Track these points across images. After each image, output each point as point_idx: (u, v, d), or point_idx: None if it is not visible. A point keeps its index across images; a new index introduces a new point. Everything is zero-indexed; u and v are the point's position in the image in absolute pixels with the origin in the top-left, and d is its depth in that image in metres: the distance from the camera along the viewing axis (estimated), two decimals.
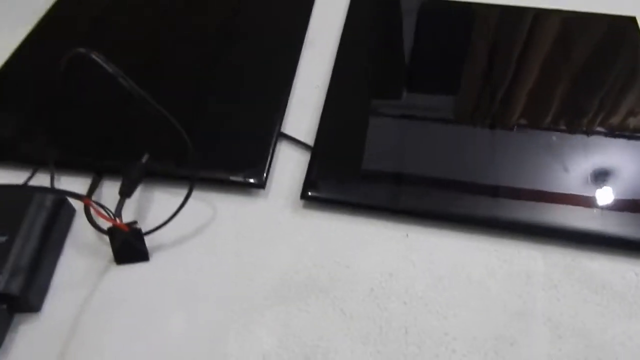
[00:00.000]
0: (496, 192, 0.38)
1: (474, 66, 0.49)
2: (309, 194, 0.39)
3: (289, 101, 0.47)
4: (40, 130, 0.44)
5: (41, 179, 0.41)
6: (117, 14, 0.56)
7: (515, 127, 0.43)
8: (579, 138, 0.42)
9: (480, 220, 0.37)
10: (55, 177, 0.41)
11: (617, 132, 0.42)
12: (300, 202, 0.39)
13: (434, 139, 0.43)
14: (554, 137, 0.42)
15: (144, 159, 0.39)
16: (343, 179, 0.40)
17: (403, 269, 0.35)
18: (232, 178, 0.40)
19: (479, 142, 0.42)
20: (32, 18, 0.55)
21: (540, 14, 0.53)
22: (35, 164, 0.41)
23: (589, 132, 0.42)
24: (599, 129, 0.42)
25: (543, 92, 0.45)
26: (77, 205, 0.39)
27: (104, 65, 0.34)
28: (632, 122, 0.43)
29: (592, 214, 0.36)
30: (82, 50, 0.34)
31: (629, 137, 0.42)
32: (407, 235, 0.37)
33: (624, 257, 0.35)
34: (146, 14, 0.56)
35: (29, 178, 0.41)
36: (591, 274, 0.35)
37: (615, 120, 0.43)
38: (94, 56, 0.34)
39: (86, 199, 0.36)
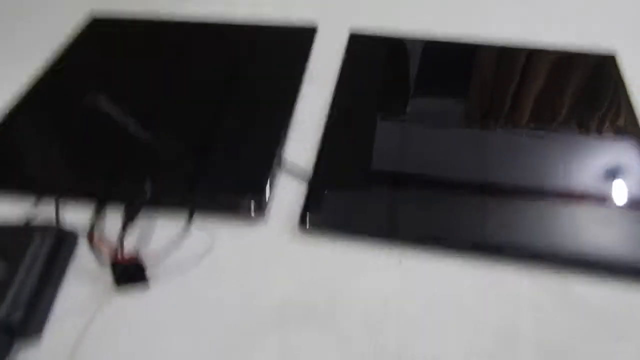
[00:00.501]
0: (485, 216, 0.40)
1: (473, 100, 0.51)
2: (307, 222, 0.41)
3: (289, 132, 0.48)
4: (47, 163, 0.46)
5: (48, 208, 0.42)
6: (127, 53, 0.59)
7: (506, 159, 0.45)
8: (563, 166, 0.43)
9: (470, 246, 0.38)
10: (61, 206, 0.42)
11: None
12: (298, 230, 0.41)
13: (428, 168, 0.44)
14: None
15: (146, 187, 0.41)
16: (339, 207, 0.42)
17: (397, 294, 0.37)
18: (233, 207, 0.42)
19: (469, 170, 0.43)
20: (42, 60, 0.57)
21: (533, 53, 0.55)
22: (42, 194, 0.43)
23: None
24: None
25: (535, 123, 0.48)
26: (81, 231, 0.41)
27: (109, 108, 0.36)
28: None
29: (577, 238, 0.38)
30: (91, 96, 0.36)
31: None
32: (401, 261, 0.39)
33: (610, 280, 0.36)
34: (154, 54, 0.59)
35: (35, 205, 0.42)
36: (577, 296, 0.36)
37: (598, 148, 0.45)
38: (100, 100, 0.36)
39: (89, 233, 0.37)
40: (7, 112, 0.51)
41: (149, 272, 0.38)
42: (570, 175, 0.43)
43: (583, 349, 0.33)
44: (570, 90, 0.51)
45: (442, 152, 0.46)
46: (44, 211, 0.42)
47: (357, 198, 0.42)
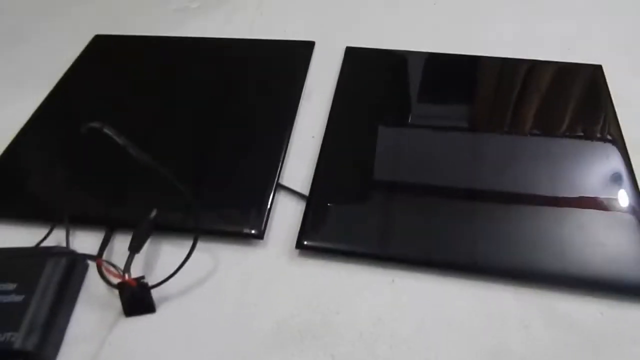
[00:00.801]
0: (474, 237, 0.41)
1: (473, 111, 0.53)
2: (304, 243, 0.42)
3: (287, 152, 0.50)
4: (56, 190, 0.48)
5: (58, 234, 0.44)
6: (131, 78, 0.61)
7: (498, 171, 0.46)
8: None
9: (459, 266, 0.40)
10: (71, 232, 0.44)
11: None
12: (296, 251, 0.43)
13: (423, 185, 0.46)
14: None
15: (152, 214, 0.43)
16: (335, 228, 0.44)
17: (389, 313, 0.38)
18: (233, 229, 0.44)
19: (460, 186, 0.45)
20: (48, 84, 0.60)
21: (529, 65, 0.57)
22: (52, 220, 0.45)
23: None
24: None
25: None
26: (89, 257, 0.43)
27: (115, 137, 0.38)
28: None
29: (559, 257, 0.39)
30: (95, 124, 0.38)
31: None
32: (394, 280, 0.40)
33: (590, 296, 0.38)
34: (154, 70, 0.61)
35: (47, 234, 0.44)
36: (560, 313, 0.37)
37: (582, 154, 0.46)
38: (106, 130, 0.38)
39: (98, 259, 0.40)
40: (15, 136, 0.53)
41: (155, 294, 0.40)
42: (556, 185, 0.44)
43: None
44: (564, 99, 0.52)
45: (433, 168, 0.47)
46: (53, 237, 0.44)
47: (353, 219, 0.44)
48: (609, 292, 0.38)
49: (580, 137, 0.49)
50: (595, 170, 0.46)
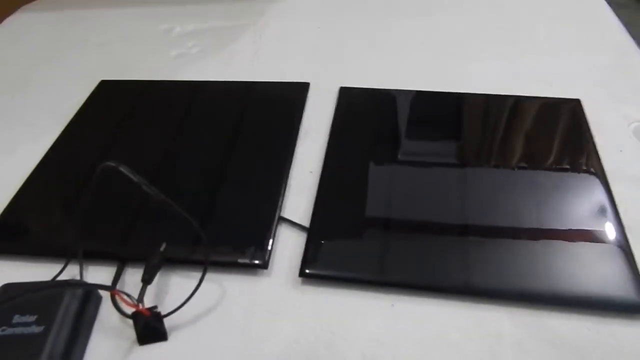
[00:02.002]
0: (468, 261, 0.44)
1: (461, 146, 0.56)
2: (306, 271, 0.45)
3: (287, 187, 0.53)
4: (70, 227, 0.50)
5: (72, 269, 0.47)
6: (136, 120, 0.64)
7: (486, 203, 0.49)
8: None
9: (455, 290, 0.43)
10: (84, 267, 0.47)
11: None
12: (299, 279, 0.45)
13: (417, 214, 0.49)
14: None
15: (162, 247, 0.45)
16: (336, 256, 0.46)
17: (390, 335, 0.41)
18: (239, 260, 0.46)
19: (453, 214, 0.48)
20: (58, 126, 0.63)
21: (513, 101, 0.61)
22: (66, 256, 0.47)
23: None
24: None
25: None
26: (104, 292, 0.45)
27: (131, 176, 0.41)
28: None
29: (548, 280, 0.42)
30: (112, 163, 0.41)
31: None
32: (393, 305, 0.43)
33: (577, 313, 0.41)
34: (155, 119, 0.64)
35: (62, 269, 0.47)
36: (551, 331, 0.40)
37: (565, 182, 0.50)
38: (122, 169, 0.41)
39: (113, 290, 0.42)
40: (28, 175, 0.56)
41: (166, 323, 0.42)
42: (542, 216, 0.47)
43: None
44: (547, 133, 0.56)
45: (427, 199, 0.50)
46: (67, 272, 0.47)
47: (352, 248, 0.47)
48: (594, 309, 0.41)
49: (563, 170, 0.52)
50: (579, 201, 0.49)
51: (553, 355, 0.38)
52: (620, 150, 0.54)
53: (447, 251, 0.45)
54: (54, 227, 0.51)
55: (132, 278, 0.46)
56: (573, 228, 0.46)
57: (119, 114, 0.65)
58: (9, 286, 0.44)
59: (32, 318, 0.40)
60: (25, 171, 0.57)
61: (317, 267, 0.45)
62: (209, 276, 0.44)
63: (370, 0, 0.85)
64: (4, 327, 0.40)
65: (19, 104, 0.70)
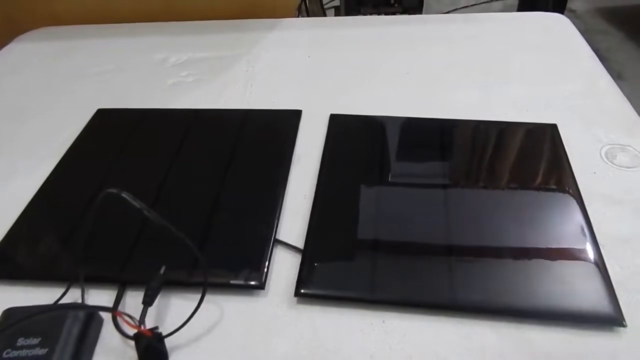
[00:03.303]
0: (454, 279, 0.46)
1: (446, 169, 0.59)
2: (301, 291, 0.47)
3: (282, 211, 0.56)
4: (71, 252, 0.52)
5: (74, 293, 0.48)
6: (134, 147, 0.66)
7: (469, 223, 0.52)
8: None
9: (442, 305, 0.45)
10: (86, 290, 0.48)
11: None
12: (295, 299, 0.47)
13: (407, 235, 0.51)
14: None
15: (162, 270, 0.47)
16: (329, 276, 0.49)
17: (382, 350, 0.43)
18: (236, 282, 0.48)
19: (440, 234, 0.50)
20: (56, 154, 0.65)
21: (493, 126, 0.65)
22: (68, 280, 0.49)
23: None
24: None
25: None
26: (105, 315, 0.47)
27: (133, 202, 0.43)
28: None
29: (530, 295, 0.45)
30: (114, 190, 0.44)
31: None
32: (384, 321, 0.45)
33: (558, 327, 0.43)
34: (152, 146, 0.66)
35: (64, 293, 0.48)
36: (533, 343, 0.42)
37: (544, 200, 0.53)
38: (124, 195, 0.43)
39: (115, 311, 0.44)
40: (29, 202, 0.58)
41: (167, 344, 0.44)
42: (523, 234, 0.50)
43: None
44: (527, 155, 0.60)
45: (415, 221, 0.53)
46: (69, 296, 0.48)
47: (345, 268, 0.49)
48: (574, 322, 0.43)
49: (542, 190, 0.55)
50: (557, 220, 0.51)
51: None
52: (594, 172, 0.57)
53: (434, 269, 0.48)
54: (55, 252, 0.52)
55: (133, 301, 0.48)
56: (552, 246, 0.49)
57: (117, 141, 0.67)
58: (11, 310, 0.45)
59: (35, 340, 0.42)
60: (24, 198, 0.59)
61: (312, 287, 0.47)
62: (208, 297, 0.46)
63: (357, 34, 0.89)
64: (8, 350, 0.41)
65: (16, 133, 0.72)
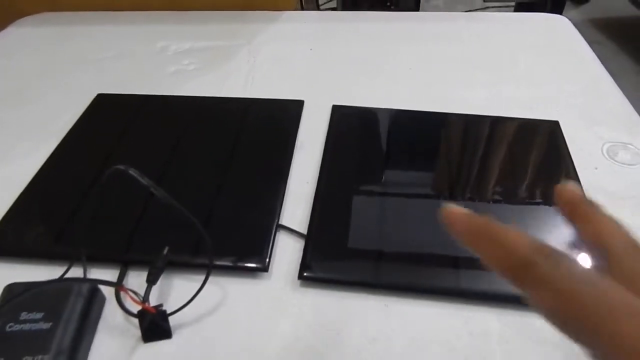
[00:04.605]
0: (456, 263, 0.47)
1: (447, 160, 0.60)
2: (305, 274, 0.47)
3: (285, 197, 0.56)
4: (73, 230, 0.52)
5: (76, 272, 0.48)
6: (135, 132, 0.66)
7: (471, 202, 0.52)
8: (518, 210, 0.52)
9: (446, 291, 0.45)
10: (88, 269, 0.48)
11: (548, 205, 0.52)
12: (298, 282, 0.47)
13: (408, 220, 0.52)
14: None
15: (165, 251, 0.47)
16: (332, 260, 0.49)
17: (384, 333, 0.43)
18: (240, 264, 0.48)
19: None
20: (56, 138, 0.65)
21: (493, 121, 0.65)
22: (70, 259, 0.48)
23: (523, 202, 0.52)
24: (533, 203, 0.53)
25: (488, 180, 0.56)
26: (107, 294, 0.46)
27: (140, 179, 0.43)
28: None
29: None
30: (121, 167, 0.43)
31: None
32: (387, 305, 0.45)
33: None
34: (154, 131, 0.66)
35: (66, 270, 0.48)
36: (535, 329, 0.43)
37: (546, 195, 0.53)
38: (131, 172, 0.43)
39: (120, 286, 0.43)
40: (28, 183, 0.57)
41: (170, 322, 0.43)
42: (525, 227, 0.50)
43: None
44: (529, 150, 0.60)
45: (418, 207, 0.53)
46: (70, 274, 0.48)
47: (348, 252, 0.49)
48: None
49: (543, 184, 0.56)
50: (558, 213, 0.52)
51: (538, 351, 0.41)
52: (595, 168, 0.58)
53: (438, 254, 0.48)
54: (57, 230, 0.52)
55: (135, 281, 0.48)
56: (553, 237, 0.49)
57: (118, 126, 0.66)
58: (13, 285, 0.45)
59: (39, 315, 0.41)
60: (23, 180, 0.58)
61: (315, 271, 0.48)
62: (212, 279, 0.46)
63: (360, 29, 0.90)
64: (11, 324, 0.41)
65: (14, 117, 0.71)
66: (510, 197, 0.54)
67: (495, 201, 0.54)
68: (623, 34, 2.61)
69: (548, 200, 0.53)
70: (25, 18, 0.98)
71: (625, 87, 0.73)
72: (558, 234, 0.49)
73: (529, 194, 0.54)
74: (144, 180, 0.43)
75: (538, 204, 0.53)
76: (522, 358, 0.41)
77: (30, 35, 0.93)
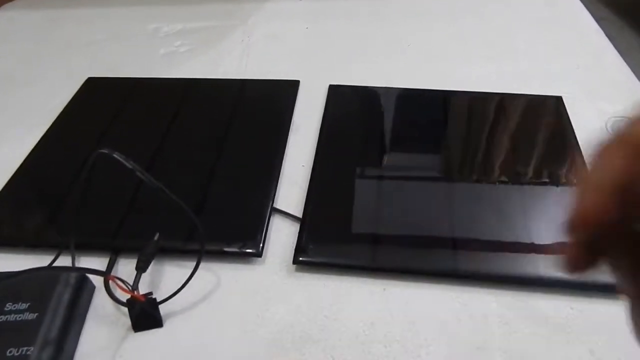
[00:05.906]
0: (454, 246, 0.45)
1: (448, 140, 0.58)
2: (300, 259, 0.46)
3: (279, 180, 0.54)
4: (61, 217, 0.50)
5: (64, 261, 0.46)
6: (126, 116, 0.64)
7: (472, 183, 0.51)
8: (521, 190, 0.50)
9: (444, 273, 0.44)
10: (76, 258, 0.47)
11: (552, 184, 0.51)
12: (293, 267, 0.46)
13: (406, 202, 0.50)
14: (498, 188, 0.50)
15: (156, 237, 0.46)
16: (328, 244, 0.47)
17: (382, 317, 0.42)
18: (233, 249, 0.47)
19: (439, 203, 0.49)
20: (45, 122, 0.63)
21: (497, 98, 0.63)
22: (58, 248, 0.47)
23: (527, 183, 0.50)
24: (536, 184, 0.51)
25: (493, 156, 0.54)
26: (97, 282, 0.45)
27: (125, 162, 0.41)
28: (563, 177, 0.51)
29: (533, 261, 0.44)
30: (105, 150, 0.42)
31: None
32: (385, 289, 0.44)
33: (561, 294, 0.42)
34: (146, 114, 0.64)
35: (54, 259, 0.46)
36: (536, 311, 0.41)
37: (551, 174, 0.52)
38: (116, 155, 0.41)
39: (108, 275, 0.42)
40: (17, 169, 0.56)
41: (161, 310, 0.42)
42: (526, 205, 0.49)
43: (541, 355, 0.39)
44: (532, 126, 0.58)
45: (415, 190, 0.52)
46: (59, 263, 0.46)
47: (344, 236, 0.48)
48: (577, 290, 0.42)
49: (547, 159, 0.54)
50: (562, 189, 0.50)
51: (538, 331, 0.40)
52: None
53: (435, 237, 0.46)
54: (44, 218, 0.51)
55: (125, 269, 0.46)
56: (555, 214, 0.48)
57: (108, 110, 0.65)
58: None
59: (24, 305, 0.40)
60: (12, 166, 0.57)
61: (311, 255, 0.46)
62: (203, 265, 0.45)
63: (356, 6, 0.87)
64: None
65: (3, 102, 0.70)
66: (515, 177, 0.52)
67: (501, 182, 0.52)
68: (630, 11, 2.55)
69: (554, 179, 0.51)
70: (13, 2, 0.95)
71: (630, 64, 0.71)
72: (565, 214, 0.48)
73: (535, 173, 0.52)
74: (129, 164, 0.41)
75: (545, 184, 0.51)
76: (522, 340, 0.40)
77: (19, 18, 0.90)
